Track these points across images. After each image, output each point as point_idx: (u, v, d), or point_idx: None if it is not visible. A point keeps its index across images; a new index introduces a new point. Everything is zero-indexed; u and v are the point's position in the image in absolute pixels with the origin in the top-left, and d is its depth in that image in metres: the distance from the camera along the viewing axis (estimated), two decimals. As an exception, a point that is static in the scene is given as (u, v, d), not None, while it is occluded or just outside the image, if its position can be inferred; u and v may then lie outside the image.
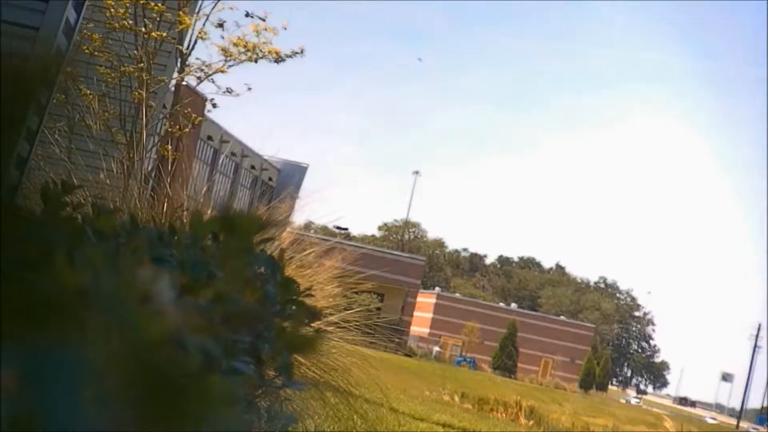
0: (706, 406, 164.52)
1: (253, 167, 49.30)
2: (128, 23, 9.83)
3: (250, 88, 11.38)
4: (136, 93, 9.66)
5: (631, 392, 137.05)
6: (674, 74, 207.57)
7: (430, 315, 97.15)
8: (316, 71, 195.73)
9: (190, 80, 10.95)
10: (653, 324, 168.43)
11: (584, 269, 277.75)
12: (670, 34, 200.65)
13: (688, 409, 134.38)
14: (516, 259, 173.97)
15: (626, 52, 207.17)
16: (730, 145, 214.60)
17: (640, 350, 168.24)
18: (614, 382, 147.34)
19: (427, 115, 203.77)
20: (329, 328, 5.46)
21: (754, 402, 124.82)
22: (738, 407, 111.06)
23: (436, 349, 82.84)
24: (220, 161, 45.32)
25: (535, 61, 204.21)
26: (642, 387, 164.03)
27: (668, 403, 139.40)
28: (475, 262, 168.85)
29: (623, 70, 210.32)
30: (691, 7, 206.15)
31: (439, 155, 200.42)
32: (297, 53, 11.16)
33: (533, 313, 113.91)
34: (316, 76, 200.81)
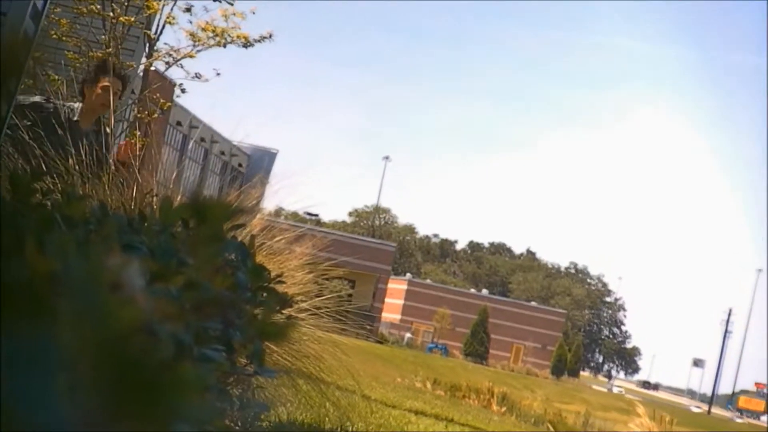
0: (677, 391, 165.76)
1: (222, 153, 49.20)
2: (96, 8, 9.78)
3: (219, 74, 11.34)
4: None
5: (612, 381, 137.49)
6: (664, 67, 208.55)
7: (401, 301, 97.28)
8: (311, 66, 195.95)
9: (159, 65, 10.91)
10: (624, 310, 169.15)
11: (555, 255, 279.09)
12: (668, 31, 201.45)
13: (651, 392, 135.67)
14: (486, 245, 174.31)
15: (618, 46, 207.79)
16: (705, 135, 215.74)
17: (611, 336, 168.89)
18: (586, 369, 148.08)
19: (407, 105, 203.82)
20: (300, 315, 5.45)
21: (726, 388, 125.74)
22: (709, 393, 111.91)
23: (408, 335, 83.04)
24: (190, 147, 45.19)
25: (529, 56, 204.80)
26: (613, 373, 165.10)
27: (632, 387, 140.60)
28: (445, 248, 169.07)
29: (608, 61, 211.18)
30: (690, 4, 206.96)
31: (411, 143, 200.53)
32: (265, 38, 11.12)
33: (504, 299, 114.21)
34: (310, 72, 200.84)
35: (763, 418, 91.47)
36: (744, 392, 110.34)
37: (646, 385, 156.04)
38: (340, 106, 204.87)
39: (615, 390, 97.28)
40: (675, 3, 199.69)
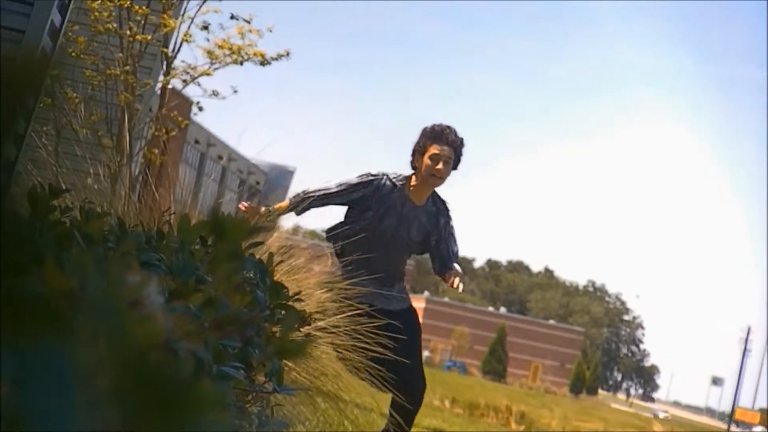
0: (697, 410, 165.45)
1: (240, 171, 49.35)
2: (113, 26, 9.81)
3: (236, 91, 11.37)
4: (122, 96, 9.64)
5: (629, 398, 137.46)
6: (663, 76, 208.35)
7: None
8: (308, 73, 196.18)
9: (176, 83, 10.93)
10: (643, 328, 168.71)
11: (573, 273, 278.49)
12: (666, 36, 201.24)
13: (648, 404, 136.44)
14: (504, 263, 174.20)
15: (615, 55, 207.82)
16: (715, 148, 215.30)
17: (629, 354, 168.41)
18: (604, 387, 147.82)
19: (418, 117, 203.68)
20: (318, 334, 5.44)
21: (745, 406, 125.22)
22: (728, 411, 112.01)
23: (426, 353, 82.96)
24: (207, 165, 45.35)
25: (531, 66, 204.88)
26: (632, 391, 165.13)
27: (638, 402, 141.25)
28: (463, 265, 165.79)
29: (613, 74, 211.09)
30: (689, 8, 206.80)
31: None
32: (282, 56, 11.14)
33: (522, 317, 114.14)
34: (309, 78, 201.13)
35: (756, 428, 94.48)
36: (761, 412, 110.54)
37: (645, 398, 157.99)
38: (348, 118, 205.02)
39: (661, 415, 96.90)
40: (672, 4, 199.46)
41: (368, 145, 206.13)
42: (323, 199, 6.59)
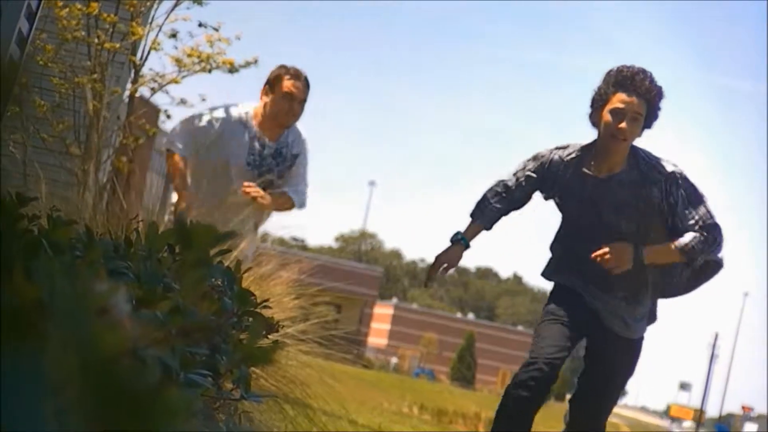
0: (664, 415, 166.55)
1: (208, 179, 49.22)
2: (81, 34, 9.78)
3: (204, 99, 11.34)
4: (91, 104, 9.62)
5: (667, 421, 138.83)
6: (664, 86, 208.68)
7: (387, 326, 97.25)
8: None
9: (144, 91, 10.91)
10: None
11: (542, 279, 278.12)
12: (666, 46, 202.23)
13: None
14: (473, 269, 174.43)
15: (614, 63, 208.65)
16: (696, 154, 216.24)
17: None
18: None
19: (391, 130, 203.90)
20: (287, 341, 5.45)
21: (713, 411, 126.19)
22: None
23: (394, 360, 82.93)
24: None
25: (528, 73, 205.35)
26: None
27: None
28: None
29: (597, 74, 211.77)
30: (691, 10, 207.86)
31: (396, 168, 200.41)
32: (251, 63, 11.14)
33: (491, 323, 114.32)
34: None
35: (685, 423, 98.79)
36: (729, 418, 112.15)
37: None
38: (323, 129, 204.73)
39: (676, 430, 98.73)
40: (674, 5, 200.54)
41: (342, 154, 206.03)
42: (503, 197, 5.40)
